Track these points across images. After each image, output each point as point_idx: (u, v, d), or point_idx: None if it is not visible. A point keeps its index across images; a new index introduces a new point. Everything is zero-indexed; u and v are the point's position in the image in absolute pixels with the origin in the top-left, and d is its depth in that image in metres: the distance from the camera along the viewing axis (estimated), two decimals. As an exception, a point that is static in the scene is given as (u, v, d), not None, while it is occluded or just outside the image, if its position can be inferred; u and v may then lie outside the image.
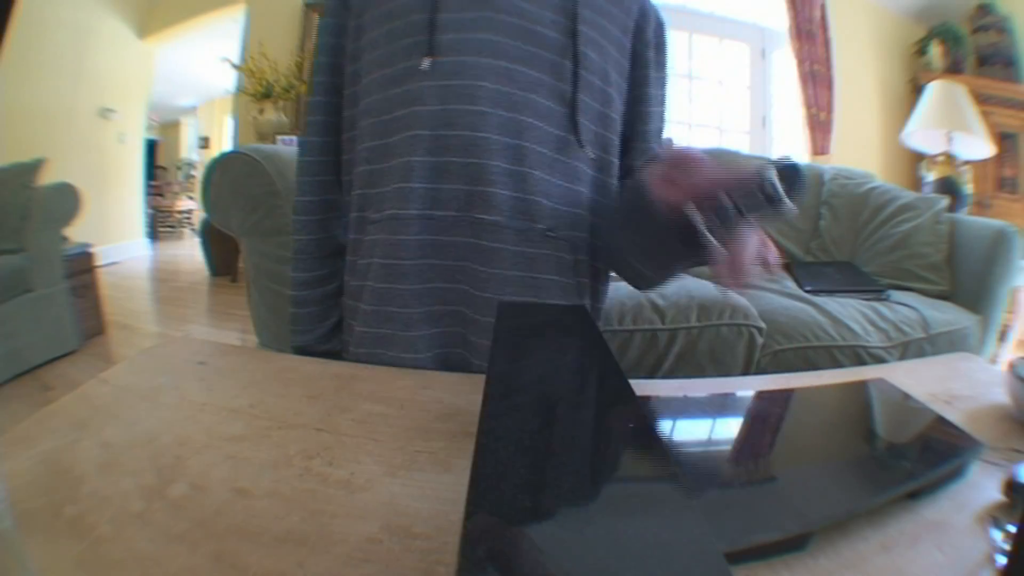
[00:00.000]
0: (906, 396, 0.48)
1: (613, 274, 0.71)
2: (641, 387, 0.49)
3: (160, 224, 6.48)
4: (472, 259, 0.55)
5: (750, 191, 0.37)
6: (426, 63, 0.53)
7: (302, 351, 0.65)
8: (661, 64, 0.68)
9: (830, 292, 1.55)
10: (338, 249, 0.66)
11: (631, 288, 1.56)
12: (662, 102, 0.69)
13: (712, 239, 0.39)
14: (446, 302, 0.57)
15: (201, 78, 5.81)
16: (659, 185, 0.44)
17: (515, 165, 0.55)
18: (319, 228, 0.65)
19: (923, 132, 2.45)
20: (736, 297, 0.40)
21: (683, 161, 0.42)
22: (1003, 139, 2.81)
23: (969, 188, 2.51)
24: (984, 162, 2.66)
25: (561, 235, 0.59)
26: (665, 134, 0.73)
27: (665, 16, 0.68)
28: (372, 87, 0.58)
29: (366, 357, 0.58)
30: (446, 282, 0.56)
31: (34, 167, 2.23)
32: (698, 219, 0.38)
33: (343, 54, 0.62)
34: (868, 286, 1.60)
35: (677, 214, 0.41)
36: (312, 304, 0.65)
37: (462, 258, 0.55)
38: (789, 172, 0.37)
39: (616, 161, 0.65)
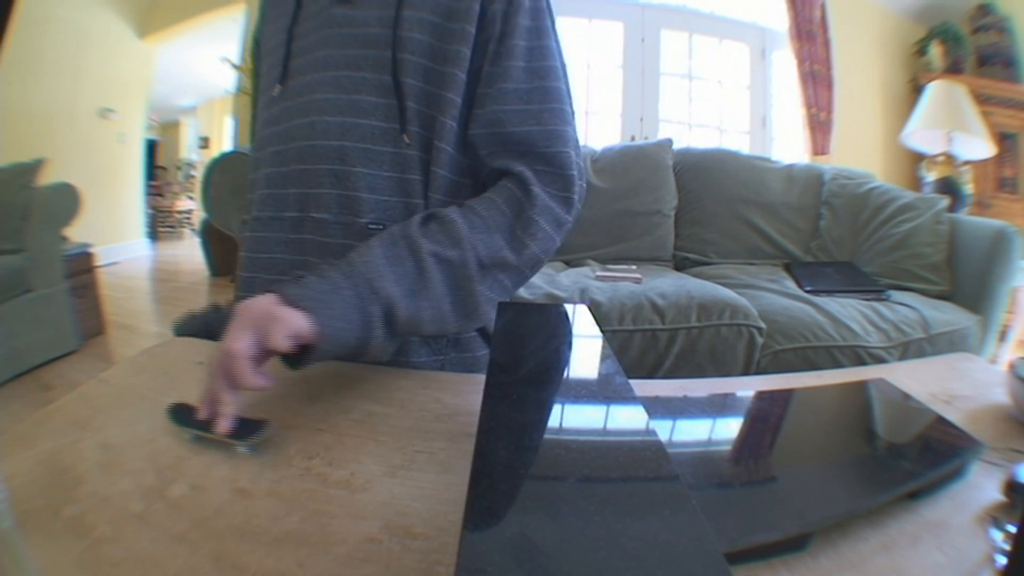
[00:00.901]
0: (906, 396, 0.48)
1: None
2: (641, 387, 0.49)
3: (160, 224, 6.48)
4: (311, 253, 0.61)
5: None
6: (277, 90, 0.62)
7: None
8: (514, 12, 0.59)
9: (830, 292, 1.55)
10: None
11: (631, 287, 1.57)
12: (514, 55, 0.59)
13: None
14: None
15: (201, 78, 5.80)
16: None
17: (339, 165, 0.59)
18: None
19: (923, 132, 2.45)
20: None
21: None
22: (1003, 139, 2.81)
23: (969, 188, 2.51)
24: (984, 162, 2.66)
25: (391, 225, 0.59)
26: (559, 93, 0.61)
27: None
28: (258, 113, 0.68)
29: None
30: (295, 274, 0.62)
31: (34, 167, 2.23)
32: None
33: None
34: (868, 286, 1.60)
35: None
36: None
37: (304, 252, 0.61)
38: None
39: (442, 144, 0.60)
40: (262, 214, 0.64)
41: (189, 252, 5.20)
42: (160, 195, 6.82)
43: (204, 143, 7.62)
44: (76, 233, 2.37)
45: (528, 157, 0.58)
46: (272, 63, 0.64)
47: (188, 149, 7.82)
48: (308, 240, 0.61)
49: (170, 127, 7.52)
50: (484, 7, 0.59)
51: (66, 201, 2.25)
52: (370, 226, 0.60)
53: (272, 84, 0.63)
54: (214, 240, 3.89)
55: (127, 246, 4.57)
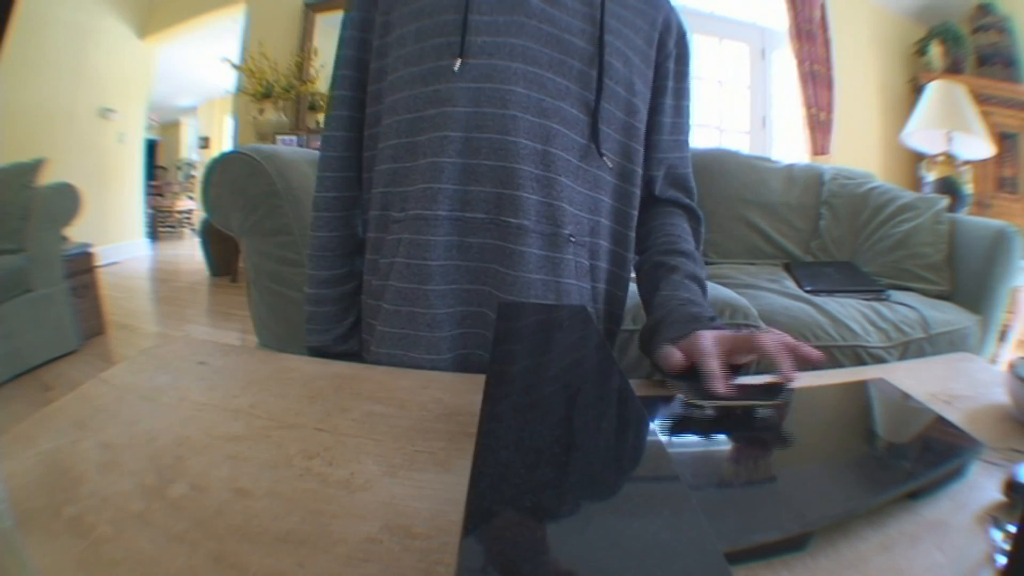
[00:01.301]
0: (906, 396, 0.48)
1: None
2: (641, 387, 0.49)
3: (160, 224, 6.49)
4: (498, 262, 0.55)
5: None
6: (457, 64, 0.53)
7: (317, 352, 0.63)
8: (681, 75, 0.70)
9: (830, 292, 1.55)
10: (358, 247, 0.66)
11: (632, 287, 1.57)
12: (681, 113, 0.71)
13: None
14: (470, 303, 0.57)
15: (201, 78, 5.81)
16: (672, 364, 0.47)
17: (543, 171, 0.55)
18: (342, 225, 0.64)
19: (923, 132, 2.45)
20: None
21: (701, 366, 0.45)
22: (1003, 139, 2.81)
23: (969, 188, 2.51)
24: (984, 162, 2.66)
25: (581, 240, 0.60)
26: (689, 142, 0.75)
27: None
28: (399, 84, 0.57)
29: (387, 358, 0.57)
30: (471, 283, 0.56)
31: (34, 167, 2.23)
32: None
33: (368, 49, 0.61)
34: (868, 286, 1.60)
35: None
36: (330, 303, 0.64)
37: (488, 260, 0.56)
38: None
39: (639, 170, 0.66)
40: (430, 212, 0.55)
41: (189, 252, 5.21)
42: (160, 195, 6.83)
43: (204, 143, 7.63)
44: (76, 233, 2.37)
45: (685, 191, 0.73)
46: (433, 28, 0.55)
47: (188, 149, 7.82)
48: (493, 246, 0.55)
49: (170, 127, 7.53)
50: (658, 59, 0.67)
51: (66, 201, 2.24)
52: (571, 238, 0.58)
53: (438, 55, 0.54)
54: (214, 240, 3.89)
55: (127, 246, 4.57)
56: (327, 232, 0.64)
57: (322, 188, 0.64)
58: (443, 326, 0.56)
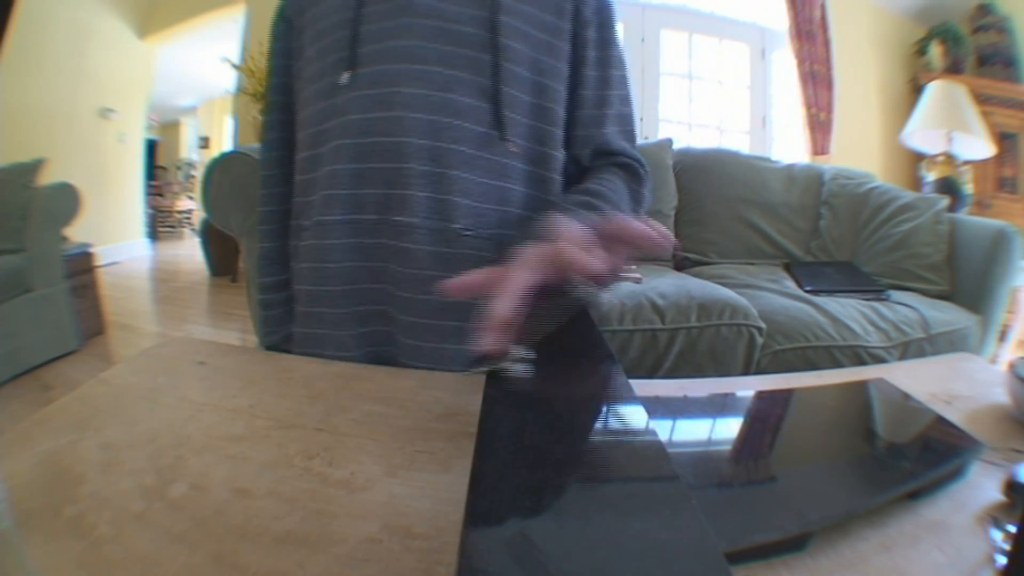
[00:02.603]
0: (906, 396, 0.48)
1: None
2: (641, 387, 0.49)
3: (160, 224, 6.49)
4: (392, 260, 0.57)
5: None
6: (345, 77, 0.56)
7: (272, 350, 0.68)
8: (605, 43, 0.64)
9: (830, 292, 1.55)
10: None
11: (631, 287, 1.56)
12: (610, 84, 0.65)
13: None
14: (371, 302, 0.59)
15: (201, 78, 5.81)
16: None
17: (431, 166, 0.56)
18: (279, 236, 0.69)
19: (923, 132, 2.45)
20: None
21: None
22: (1003, 139, 2.81)
23: (969, 188, 2.51)
24: (984, 162, 2.66)
25: (484, 234, 0.58)
26: (634, 118, 0.68)
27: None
28: (306, 102, 0.61)
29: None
30: (370, 283, 0.58)
31: (34, 167, 2.23)
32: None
33: (291, 73, 0.65)
34: (868, 286, 1.60)
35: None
36: (277, 306, 0.69)
37: (383, 259, 0.57)
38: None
39: (556, 153, 0.62)
40: (327, 218, 0.58)
41: (189, 252, 5.21)
42: (160, 195, 6.83)
43: (204, 143, 7.63)
44: (76, 233, 2.37)
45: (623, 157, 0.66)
46: (329, 46, 0.58)
47: (188, 149, 7.83)
48: (386, 246, 0.56)
49: (170, 127, 7.53)
50: (575, 29, 0.62)
51: (66, 201, 2.25)
52: (465, 232, 0.57)
53: (333, 70, 0.57)
54: (214, 240, 3.89)
55: (127, 246, 4.57)
56: (268, 243, 0.69)
57: (261, 203, 0.69)
58: (348, 325, 0.59)
